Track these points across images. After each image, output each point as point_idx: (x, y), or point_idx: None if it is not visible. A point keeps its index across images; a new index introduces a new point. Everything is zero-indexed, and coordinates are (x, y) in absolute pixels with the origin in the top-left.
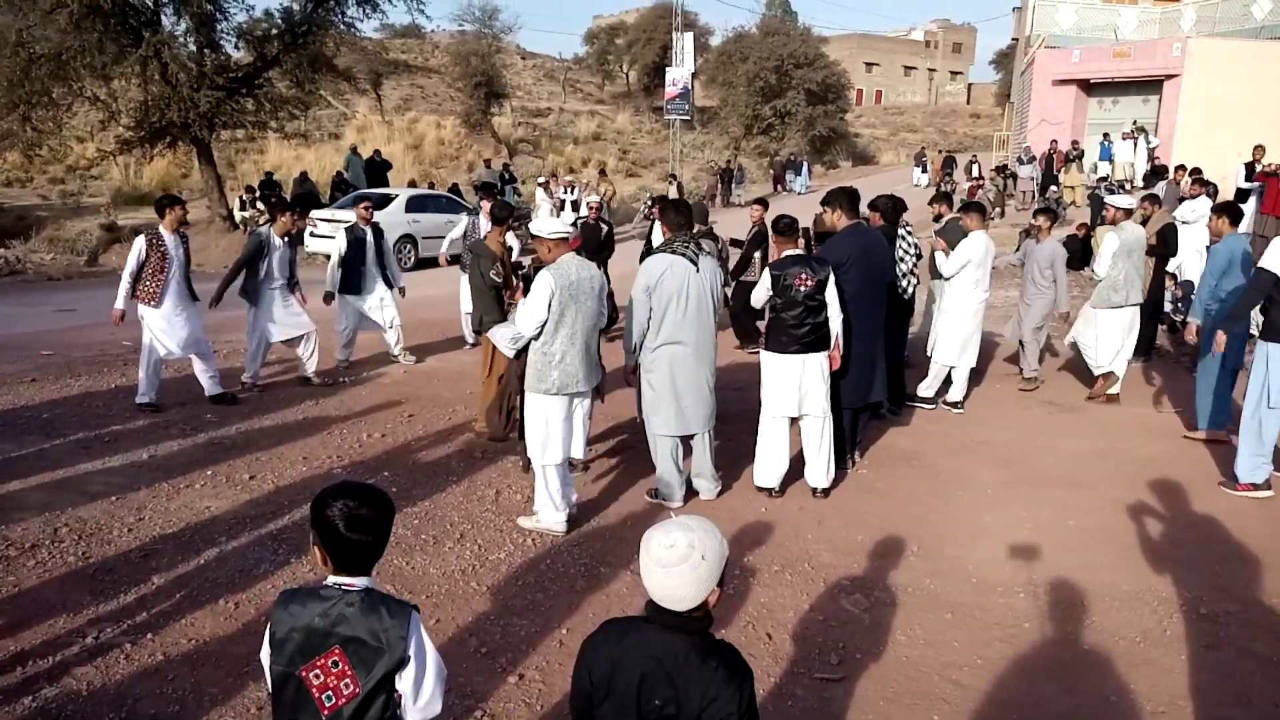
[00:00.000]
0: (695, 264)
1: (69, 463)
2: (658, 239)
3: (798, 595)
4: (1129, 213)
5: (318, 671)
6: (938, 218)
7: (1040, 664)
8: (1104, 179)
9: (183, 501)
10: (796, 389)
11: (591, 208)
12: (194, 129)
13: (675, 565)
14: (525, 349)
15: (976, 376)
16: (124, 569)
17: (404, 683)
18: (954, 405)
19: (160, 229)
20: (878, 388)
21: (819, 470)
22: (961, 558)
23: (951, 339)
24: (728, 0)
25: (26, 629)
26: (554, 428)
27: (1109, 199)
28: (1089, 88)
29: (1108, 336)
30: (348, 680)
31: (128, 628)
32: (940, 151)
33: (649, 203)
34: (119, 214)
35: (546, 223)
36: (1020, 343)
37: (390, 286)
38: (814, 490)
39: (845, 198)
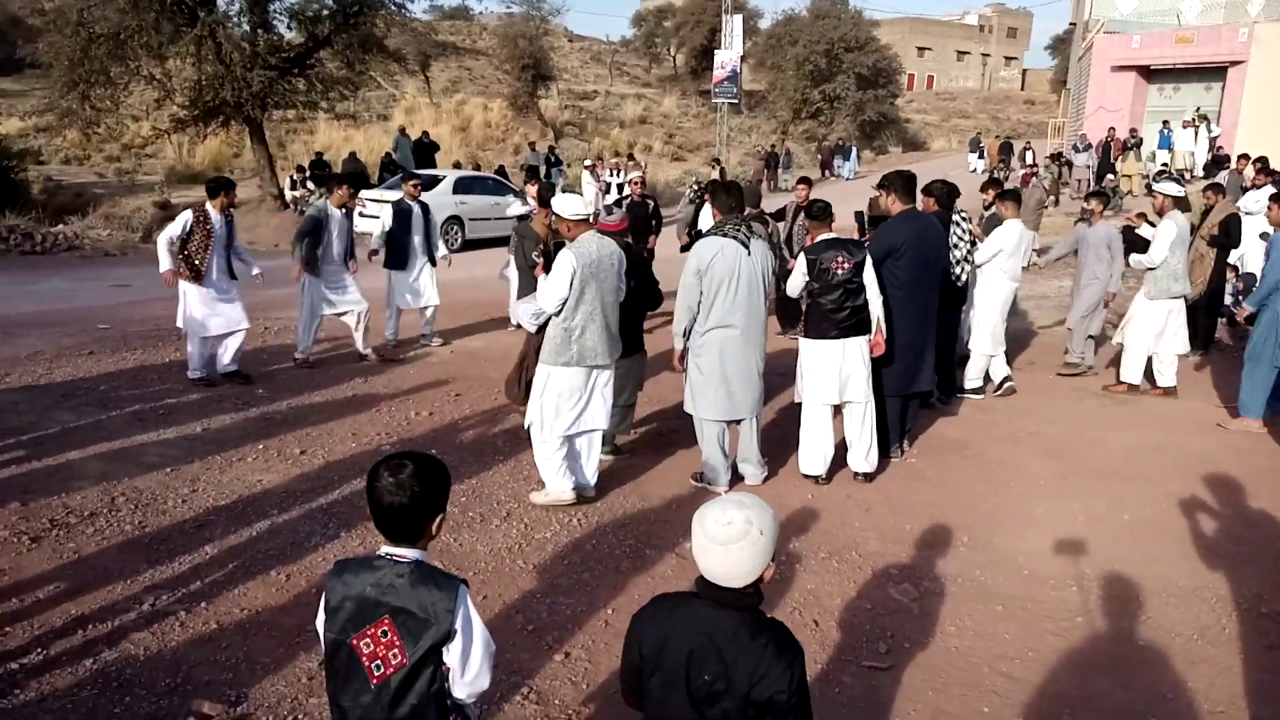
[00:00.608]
0: (747, 247)
1: (125, 434)
2: (705, 222)
3: (845, 583)
4: (1178, 200)
5: (368, 640)
6: (989, 205)
7: (1094, 658)
8: (1163, 168)
9: (235, 474)
10: (837, 375)
11: (634, 184)
12: (246, 108)
13: (735, 542)
14: (546, 324)
15: (1028, 367)
16: (179, 538)
17: (451, 656)
18: (973, 392)
19: (207, 207)
20: (925, 376)
21: (861, 455)
22: (1013, 549)
23: (984, 328)
24: None
25: (86, 594)
26: (565, 401)
27: (1158, 186)
28: (1149, 74)
29: (1152, 325)
30: (396, 650)
31: (182, 596)
32: (997, 137)
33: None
34: (172, 192)
35: (567, 203)
36: (1069, 329)
37: (434, 264)
38: (856, 474)
39: (901, 182)
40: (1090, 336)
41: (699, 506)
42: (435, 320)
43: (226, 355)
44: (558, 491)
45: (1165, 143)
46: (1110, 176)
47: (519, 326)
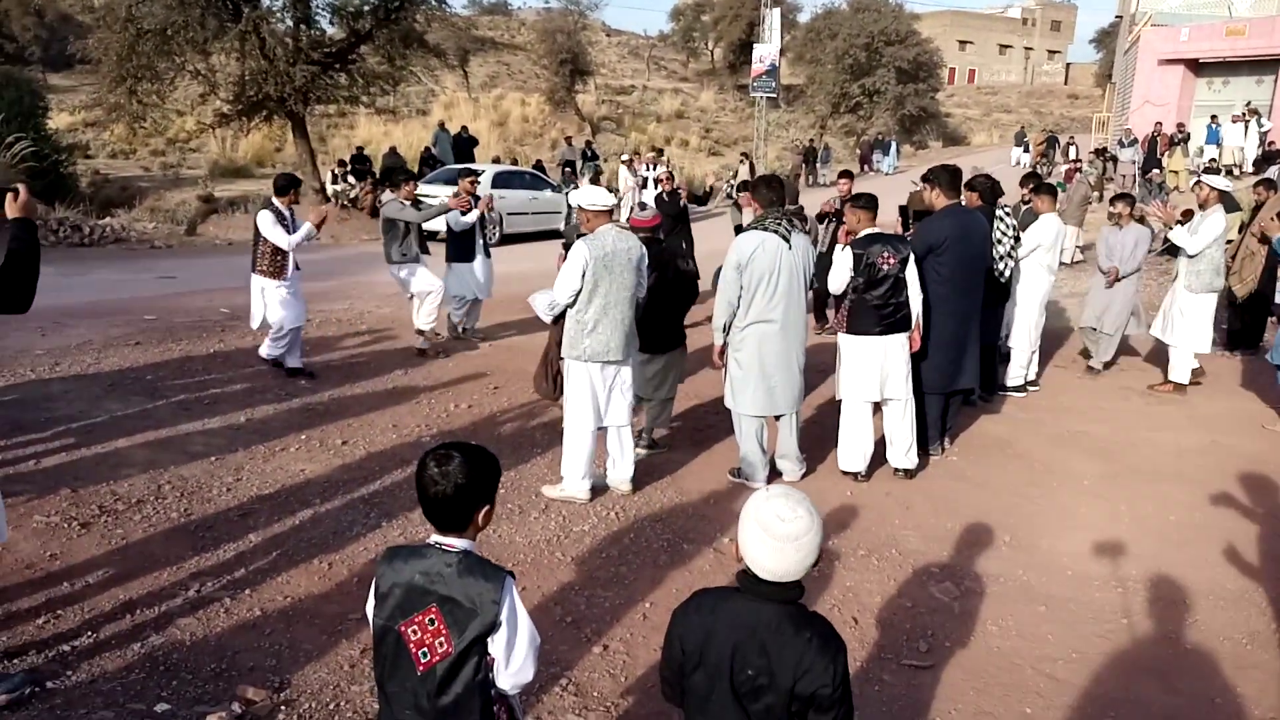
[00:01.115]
0: (788, 240)
1: (171, 423)
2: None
3: (885, 581)
4: (1224, 194)
5: (415, 628)
6: (1026, 200)
7: (1139, 661)
8: (1211, 163)
9: (278, 464)
10: (879, 372)
11: (661, 180)
12: (289, 103)
13: (800, 537)
14: (563, 315)
15: (1071, 365)
16: (223, 526)
17: (496, 647)
18: (1016, 389)
19: (277, 204)
20: (968, 374)
21: (901, 451)
22: (1056, 549)
23: (1023, 325)
24: None
25: (134, 580)
26: (587, 394)
27: (1206, 179)
28: (1197, 68)
29: (1200, 319)
30: (442, 639)
31: (227, 583)
32: (1043, 131)
33: (730, 182)
34: (215, 185)
35: (587, 194)
36: (1098, 331)
37: (489, 257)
38: (896, 471)
39: (946, 176)
40: (1098, 331)
41: (742, 500)
42: (478, 314)
43: (277, 347)
44: (572, 490)
45: (1214, 137)
46: (1156, 171)
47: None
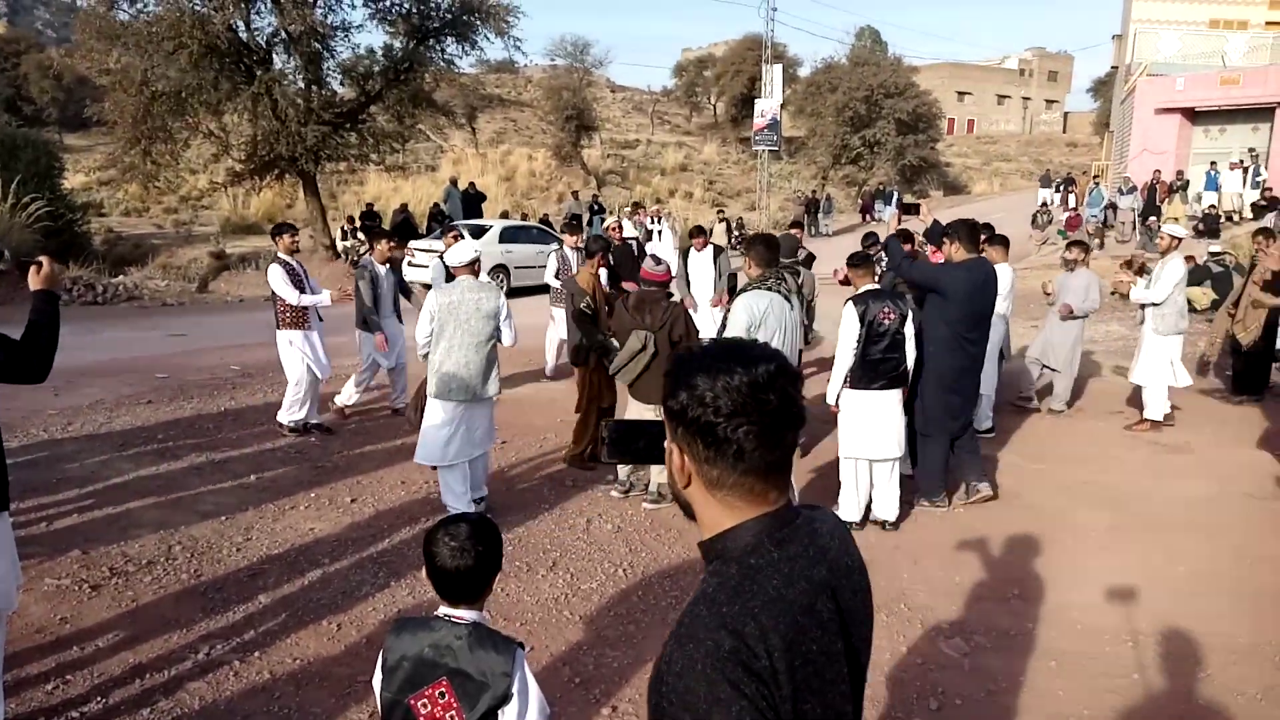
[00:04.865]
0: (789, 300)
1: (182, 483)
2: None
3: (894, 637)
4: (1182, 241)
5: (425, 701)
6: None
7: (1152, 718)
8: (1210, 209)
9: (288, 522)
10: (878, 428)
11: (610, 229)
12: (300, 162)
13: None
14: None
15: (1077, 414)
16: (233, 587)
17: (507, 718)
18: (985, 433)
19: (281, 255)
20: (967, 415)
21: (888, 504)
22: (1066, 603)
23: (988, 370)
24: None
25: (144, 642)
26: (437, 428)
27: (1166, 228)
28: (1194, 116)
29: (1163, 359)
30: (453, 713)
31: (237, 645)
32: (1069, 174)
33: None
34: (227, 242)
35: (453, 253)
36: (1050, 369)
37: None
38: (883, 523)
39: (965, 230)
40: (1041, 364)
41: None
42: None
43: (313, 405)
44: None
45: (1212, 184)
46: (1154, 219)
47: (549, 378)
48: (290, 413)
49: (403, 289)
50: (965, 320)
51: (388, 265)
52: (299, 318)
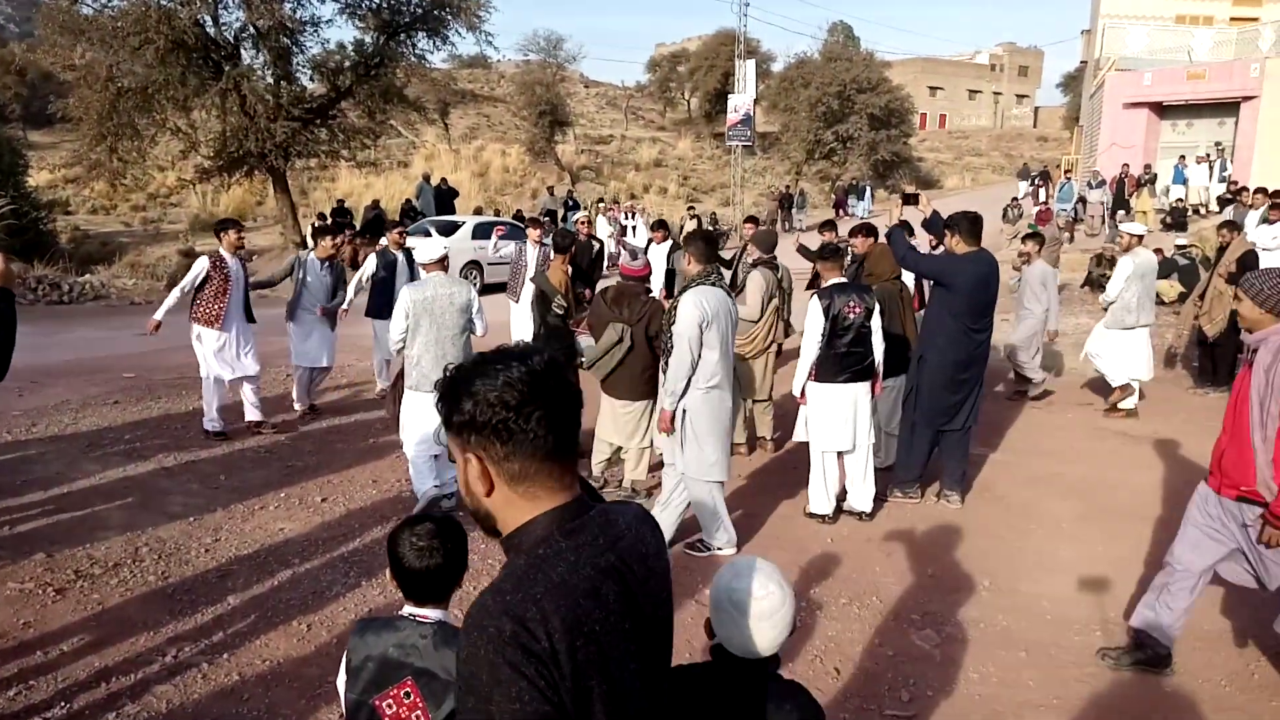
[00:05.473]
0: (730, 294)
1: (149, 483)
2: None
3: (866, 629)
4: (1141, 239)
5: (390, 701)
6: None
7: (1120, 705)
8: (1178, 203)
9: (257, 523)
10: (845, 420)
11: (580, 224)
12: (270, 158)
13: (774, 613)
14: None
15: (1047, 407)
16: (201, 589)
17: None
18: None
19: (221, 251)
20: (962, 416)
21: (862, 495)
22: (1036, 593)
23: None
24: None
25: (110, 646)
26: (419, 418)
27: (1122, 226)
28: (1161, 110)
29: (1119, 354)
30: (419, 713)
31: (205, 647)
32: (1044, 166)
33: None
34: (196, 240)
35: (422, 250)
36: (1016, 359)
37: None
38: (858, 513)
39: (966, 223)
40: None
41: (714, 569)
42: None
43: (248, 405)
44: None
45: (1180, 178)
46: (1122, 212)
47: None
48: (209, 413)
49: (334, 290)
50: (970, 311)
51: (327, 262)
52: (213, 315)
